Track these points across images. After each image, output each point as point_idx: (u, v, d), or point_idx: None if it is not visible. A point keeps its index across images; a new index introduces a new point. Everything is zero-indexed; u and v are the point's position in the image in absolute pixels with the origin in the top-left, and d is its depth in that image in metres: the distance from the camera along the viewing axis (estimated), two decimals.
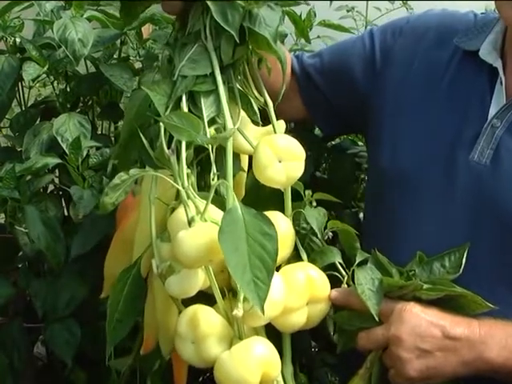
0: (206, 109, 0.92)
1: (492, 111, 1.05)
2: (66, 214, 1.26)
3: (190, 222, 0.86)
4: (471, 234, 1.02)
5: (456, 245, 1.00)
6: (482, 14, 1.16)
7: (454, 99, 1.08)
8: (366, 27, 1.54)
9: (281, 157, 0.95)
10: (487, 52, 1.07)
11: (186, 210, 0.86)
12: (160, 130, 0.90)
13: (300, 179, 1.01)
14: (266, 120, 1.00)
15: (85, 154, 1.19)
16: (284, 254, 0.98)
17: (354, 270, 0.98)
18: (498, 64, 1.06)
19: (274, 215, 0.96)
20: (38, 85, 1.42)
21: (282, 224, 0.97)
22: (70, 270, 1.20)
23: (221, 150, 0.91)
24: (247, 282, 0.80)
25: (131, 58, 1.35)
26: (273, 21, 0.94)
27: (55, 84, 1.32)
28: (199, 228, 0.85)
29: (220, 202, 0.88)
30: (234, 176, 0.93)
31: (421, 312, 0.95)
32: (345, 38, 1.33)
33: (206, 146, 0.90)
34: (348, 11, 1.55)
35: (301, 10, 1.36)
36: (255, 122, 1.00)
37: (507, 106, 1.04)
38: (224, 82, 0.94)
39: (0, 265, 1.33)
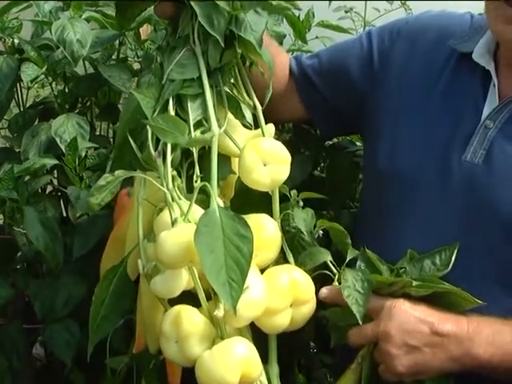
0: (193, 112, 0.94)
1: (485, 112, 1.07)
2: (64, 214, 1.26)
3: (173, 224, 0.88)
4: (465, 233, 1.04)
5: (451, 243, 1.02)
6: (479, 14, 1.15)
7: (450, 100, 1.10)
8: (364, 28, 1.54)
9: (266, 160, 0.96)
10: (480, 55, 1.09)
11: (170, 212, 0.89)
12: (147, 132, 0.92)
13: (298, 178, 1.01)
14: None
15: (83, 154, 1.19)
16: (270, 256, 1.00)
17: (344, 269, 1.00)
18: (491, 67, 1.08)
19: (260, 218, 0.99)
20: (36, 86, 1.44)
21: (268, 227, 0.99)
22: (69, 270, 1.22)
23: (209, 153, 0.93)
24: (222, 283, 0.82)
25: (129, 58, 1.37)
26: (258, 25, 0.96)
27: (54, 85, 1.34)
28: (180, 229, 0.87)
29: (208, 203, 0.90)
30: (224, 178, 0.96)
31: (409, 308, 0.97)
32: (343, 38, 1.32)
33: (190, 148, 0.93)
34: (346, 12, 1.55)
35: (299, 10, 1.35)
36: (248, 125, 1.02)
37: (500, 108, 1.06)
38: (211, 86, 0.96)
39: None
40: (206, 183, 0.89)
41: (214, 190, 0.89)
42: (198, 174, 0.92)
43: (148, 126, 0.92)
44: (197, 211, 0.89)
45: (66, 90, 1.33)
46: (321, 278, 1.01)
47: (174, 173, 0.92)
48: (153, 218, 0.93)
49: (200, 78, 0.95)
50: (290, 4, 1.01)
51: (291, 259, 1.01)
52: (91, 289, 1.12)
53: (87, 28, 1.23)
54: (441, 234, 1.05)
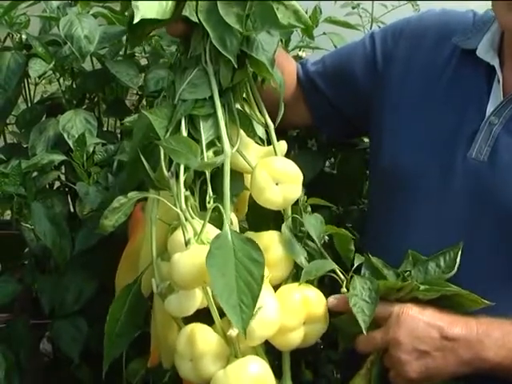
0: (205, 132, 0.96)
1: (490, 109, 1.08)
2: (71, 210, 1.26)
3: (186, 244, 0.90)
4: (471, 232, 1.05)
5: (455, 242, 1.03)
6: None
7: (453, 97, 1.11)
8: (371, 24, 1.53)
9: (277, 179, 0.98)
10: (484, 50, 1.10)
11: (183, 232, 0.90)
12: (160, 152, 0.94)
13: (309, 176, 1.00)
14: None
15: (91, 150, 1.20)
16: (283, 273, 1.01)
17: (352, 276, 1.01)
18: (495, 62, 1.09)
19: (273, 236, 1.01)
20: (43, 81, 1.46)
21: (281, 245, 1.01)
22: (76, 266, 1.23)
23: (222, 172, 0.95)
24: (233, 306, 0.83)
25: (137, 54, 1.39)
26: (270, 45, 0.97)
27: (61, 80, 1.35)
28: (194, 250, 0.88)
29: (220, 221, 0.92)
30: (238, 195, 0.98)
31: (418, 313, 0.98)
32: (350, 33, 1.32)
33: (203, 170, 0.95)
34: (353, 8, 1.54)
35: (307, 7, 1.35)
36: (261, 141, 1.04)
37: (504, 104, 1.07)
38: (223, 106, 0.98)
39: (6, 261, 1.35)
40: (219, 205, 0.91)
41: (227, 211, 0.91)
42: (211, 194, 0.94)
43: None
44: (210, 230, 0.91)
45: (74, 86, 1.34)
46: (329, 284, 1.03)
47: (188, 193, 0.94)
48: (166, 236, 0.95)
49: (212, 97, 0.97)
50: (300, 23, 1.00)
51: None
52: (101, 286, 1.12)
53: (95, 24, 1.24)
54: (446, 232, 1.06)
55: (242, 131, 0.99)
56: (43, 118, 1.32)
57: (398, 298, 0.99)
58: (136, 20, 0.93)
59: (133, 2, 0.94)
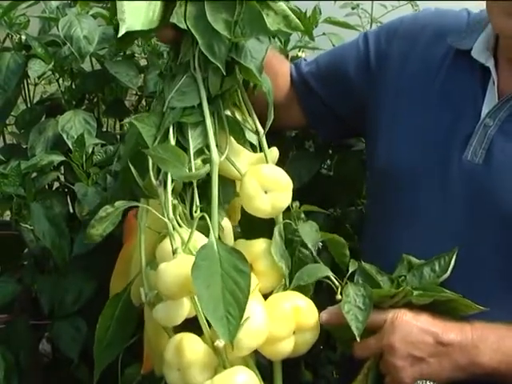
0: (193, 140, 0.95)
1: (484, 110, 1.07)
2: (71, 211, 1.28)
3: (174, 253, 0.89)
4: (469, 233, 1.05)
5: (453, 243, 1.02)
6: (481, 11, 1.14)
7: (448, 99, 1.11)
8: (371, 25, 1.53)
9: (267, 187, 0.98)
10: (479, 51, 1.09)
11: (171, 241, 0.90)
12: (149, 160, 0.94)
13: (306, 178, 1.00)
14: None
15: (90, 151, 1.20)
16: (274, 282, 1.01)
17: (347, 283, 1.00)
18: (490, 63, 1.08)
19: (263, 244, 1.00)
20: (43, 82, 1.46)
21: (270, 254, 1.00)
22: (76, 267, 1.23)
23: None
24: (219, 318, 0.82)
25: (136, 55, 1.39)
26: (259, 52, 0.97)
27: (60, 81, 1.36)
28: (180, 260, 0.88)
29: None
30: (229, 202, 0.98)
31: (412, 319, 0.98)
32: (350, 34, 1.32)
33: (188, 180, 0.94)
34: (353, 8, 1.54)
35: (306, 7, 1.35)
36: (254, 147, 1.04)
37: (499, 106, 1.06)
38: (213, 113, 0.97)
39: (6, 262, 1.35)
40: (205, 214, 0.91)
41: (214, 221, 0.91)
42: (198, 204, 0.93)
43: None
44: (199, 239, 0.90)
45: (73, 87, 1.34)
46: (325, 289, 1.02)
47: (175, 201, 0.93)
48: (156, 245, 0.95)
49: (201, 105, 0.96)
50: (290, 28, 1.00)
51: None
52: (100, 286, 1.12)
53: (94, 24, 1.24)
54: (444, 233, 1.06)
55: (232, 138, 0.99)
56: (42, 119, 1.32)
57: (392, 305, 0.99)
58: (121, 33, 0.93)
59: (118, 14, 0.93)
